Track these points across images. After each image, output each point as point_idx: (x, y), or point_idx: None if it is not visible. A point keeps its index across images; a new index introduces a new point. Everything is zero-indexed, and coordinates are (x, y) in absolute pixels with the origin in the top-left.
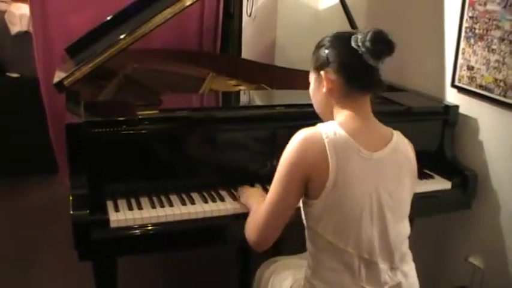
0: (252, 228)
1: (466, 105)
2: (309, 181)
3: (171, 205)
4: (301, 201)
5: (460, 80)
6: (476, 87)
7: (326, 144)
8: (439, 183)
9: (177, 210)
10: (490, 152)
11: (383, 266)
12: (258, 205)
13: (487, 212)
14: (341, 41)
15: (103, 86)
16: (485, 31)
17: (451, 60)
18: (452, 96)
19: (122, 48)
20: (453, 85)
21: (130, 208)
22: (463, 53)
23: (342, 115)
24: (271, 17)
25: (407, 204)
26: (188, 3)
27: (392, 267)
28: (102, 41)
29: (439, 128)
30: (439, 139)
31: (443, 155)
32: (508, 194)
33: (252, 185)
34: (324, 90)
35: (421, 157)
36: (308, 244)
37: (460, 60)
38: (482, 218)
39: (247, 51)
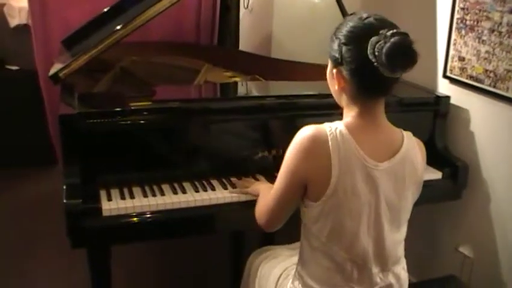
0: (261, 212)
1: (458, 96)
2: (309, 184)
3: (162, 194)
4: None
5: (451, 71)
6: (467, 78)
7: (331, 150)
8: (430, 174)
9: (168, 199)
10: (481, 143)
11: (375, 269)
12: (267, 191)
13: (477, 202)
14: (357, 41)
15: (99, 78)
16: (475, 22)
17: (443, 51)
18: (444, 87)
19: (117, 39)
20: (445, 76)
21: (123, 197)
22: (455, 44)
23: (351, 114)
24: (268, 9)
25: (407, 213)
26: None
27: (384, 270)
28: (98, 33)
29: (431, 119)
30: (430, 130)
31: (434, 145)
32: (497, 185)
33: (245, 176)
34: (336, 87)
35: None
36: (302, 239)
37: (451, 51)
38: (472, 209)
39: (245, 43)
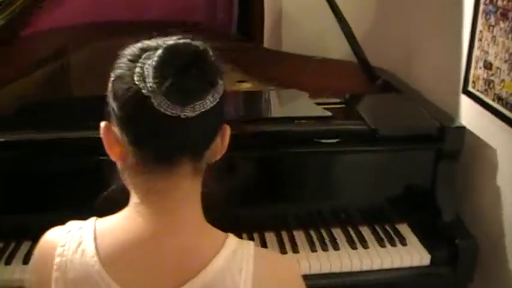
0: None
1: (481, 125)
2: None
3: None
4: None
5: (474, 84)
6: (493, 100)
7: (53, 274)
8: (412, 256)
9: None
10: (508, 203)
11: None
12: None
13: None
14: (129, 65)
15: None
16: (509, 3)
17: (465, 50)
18: (464, 108)
19: None
20: (465, 91)
21: None
22: (480, 39)
23: (128, 206)
24: None
25: None
26: None
27: None
28: None
29: (430, 163)
30: (428, 181)
31: (435, 206)
32: None
33: None
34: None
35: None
36: None
37: (475, 51)
38: None
39: None
